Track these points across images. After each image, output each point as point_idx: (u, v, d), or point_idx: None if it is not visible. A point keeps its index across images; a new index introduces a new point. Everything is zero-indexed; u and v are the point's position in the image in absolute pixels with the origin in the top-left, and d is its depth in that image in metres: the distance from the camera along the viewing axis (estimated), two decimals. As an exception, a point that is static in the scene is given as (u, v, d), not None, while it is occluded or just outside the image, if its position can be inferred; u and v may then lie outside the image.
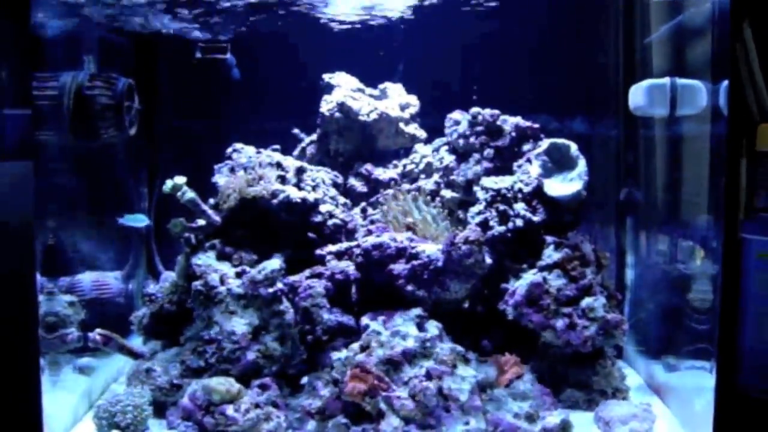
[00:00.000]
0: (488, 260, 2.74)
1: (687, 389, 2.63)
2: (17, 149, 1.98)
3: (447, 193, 3.17)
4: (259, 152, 3.09)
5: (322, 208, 2.98)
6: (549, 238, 2.77)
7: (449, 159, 3.22)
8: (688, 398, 2.56)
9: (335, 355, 2.51)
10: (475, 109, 3.14)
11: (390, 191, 3.18)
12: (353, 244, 2.87)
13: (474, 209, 2.92)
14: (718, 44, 2.32)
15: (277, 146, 3.20)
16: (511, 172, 2.98)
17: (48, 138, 2.56)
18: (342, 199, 3.17)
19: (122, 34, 3.33)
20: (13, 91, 1.99)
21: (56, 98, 2.52)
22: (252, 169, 2.92)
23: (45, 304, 2.69)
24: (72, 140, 2.60)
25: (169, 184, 2.76)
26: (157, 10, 3.06)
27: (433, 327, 2.57)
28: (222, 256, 2.80)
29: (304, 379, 2.63)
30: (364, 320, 2.64)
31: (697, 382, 2.45)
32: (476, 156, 3.12)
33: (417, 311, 2.62)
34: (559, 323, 2.61)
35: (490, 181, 2.93)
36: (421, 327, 2.57)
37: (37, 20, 2.16)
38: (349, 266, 2.81)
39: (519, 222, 2.81)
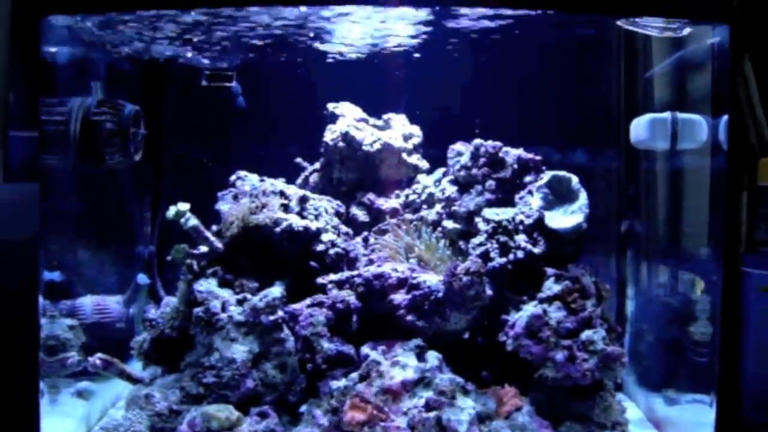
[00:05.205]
0: (489, 291, 2.74)
1: (687, 423, 2.61)
2: (24, 171, 2.00)
3: (449, 224, 3.16)
4: (262, 180, 3.09)
5: (324, 237, 2.98)
6: (549, 270, 2.77)
7: (451, 190, 3.22)
8: (688, 432, 2.55)
9: (334, 384, 2.50)
10: (477, 141, 3.15)
11: (393, 220, 3.19)
12: (354, 273, 2.87)
13: (475, 240, 2.92)
14: (719, 79, 2.35)
15: (283, 179, 3.21)
16: (512, 204, 2.98)
17: (54, 162, 2.58)
18: (344, 228, 3.17)
19: (130, 61, 3.36)
20: (22, 115, 2.02)
21: (63, 123, 2.54)
22: (255, 197, 2.93)
23: (46, 327, 2.69)
24: (78, 165, 2.62)
25: (172, 210, 2.77)
26: (164, 39, 3.09)
27: (433, 357, 2.56)
28: (224, 283, 2.80)
29: (303, 408, 2.62)
30: (364, 350, 2.63)
31: (697, 417, 2.44)
32: (478, 187, 3.12)
33: (417, 341, 2.62)
34: (559, 355, 2.60)
35: (491, 213, 2.93)
36: (420, 357, 2.56)
37: (46, 46, 2.18)
38: (350, 295, 2.80)
39: (520, 254, 2.80)
